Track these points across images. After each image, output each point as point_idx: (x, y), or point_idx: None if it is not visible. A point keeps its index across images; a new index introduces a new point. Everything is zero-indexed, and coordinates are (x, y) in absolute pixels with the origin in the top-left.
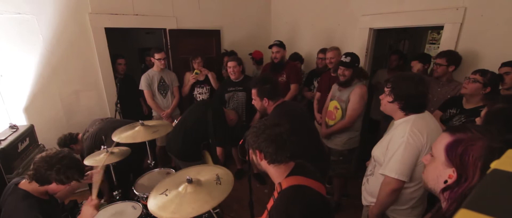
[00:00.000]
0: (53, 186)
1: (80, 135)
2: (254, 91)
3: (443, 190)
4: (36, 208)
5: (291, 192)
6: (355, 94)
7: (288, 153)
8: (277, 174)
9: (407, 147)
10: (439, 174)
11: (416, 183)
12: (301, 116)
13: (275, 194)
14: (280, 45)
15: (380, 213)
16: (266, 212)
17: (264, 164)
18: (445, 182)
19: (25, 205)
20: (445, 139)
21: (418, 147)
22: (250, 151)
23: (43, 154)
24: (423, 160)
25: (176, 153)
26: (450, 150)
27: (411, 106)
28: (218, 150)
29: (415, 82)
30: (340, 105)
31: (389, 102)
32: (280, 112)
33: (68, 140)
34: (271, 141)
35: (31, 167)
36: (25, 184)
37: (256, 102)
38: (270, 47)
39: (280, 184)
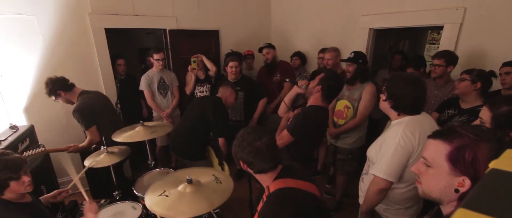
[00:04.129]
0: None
1: (76, 87)
2: (321, 75)
3: (461, 199)
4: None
5: (278, 195)
6: (367, 93)
7: (272, 163)
8: (265, 179)
9: (397, 148)
10: (446, 185)
11: (407, 184)
12: (323, 126)
13: (264, 197)
14: (269, 46)
15: (367, 211)
16: (256, 215)
17: (251, 172)
18: (456, 190)
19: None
20: (441, 147)
21: (408, 149)
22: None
23: None
24: (414, 170)
25: (182, 153)
26: (456, 159)
27: (401, 106)
28: (221, 141)
29: (407, 82)
30: (351, 104)
31: (383, 100)
32: (314, 113)
33: (61, 83)
34: (254, 155)
35: None
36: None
37: (313, 82)
38: (260, 50)
39: (268, 187)
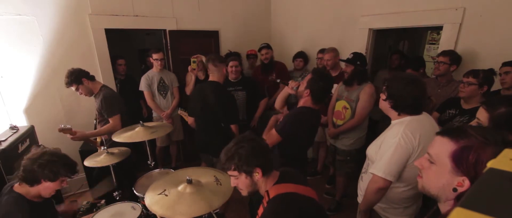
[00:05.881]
0: (43, 185)
1: (97, 80)
2: (309, 76)
3: (458, 198)
4: (27, 212)
5: (279, 201)
6: (365, 93)
7: (272, 162)
8: (264, 184)
9: (397, 148)
10: (446, 183)
11: (406, 184)
12: (314, 128)
13: (264, 202)
14: (268, 47)
15: (366, 210)
16: None
17: (259, 181)
18: (454, 189)
19: (18, 209)
20: (447, 145)
21: (408, 149)
22: (240, 178)
23: (29, 154)
24: (417, 164)
25: (211, 152)
26: (459, 159)
27: (401, 106)
28: (234, 127)
29: (406, 83)
30: (349, 104)
31: (383, 100)
32: (304, 115)
33: (84, 72)
34: (263, 153)
35: (20, 168)
36: (18, 186)
37: (302, 85)
38: (260, 50)
39: (267, 192)
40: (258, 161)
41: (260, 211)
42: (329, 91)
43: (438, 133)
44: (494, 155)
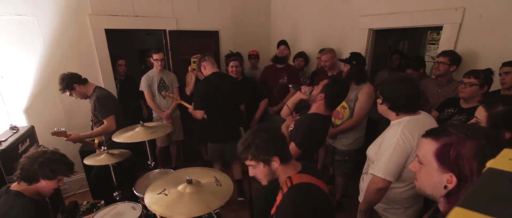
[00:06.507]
0: (42, 184)
1: (89, 82)
2: (325, 81)
3: (447, 195)
4: (31, 205)
5: (302, 188)
6: (363, 93)
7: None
8: (286, 171)
9: (396, 148)
10: (437, 181)
11: (406, 184)
12: (326, 133)
13: (284, 187)
14: (286, 43)
15: (367, 210)
16: (275, 206)
17: (277, 169)
18: (445, 187)
19: (21, 203)
20: (430, 145)
21: (407, 149)
22: (257, 167)
23: (28, 153)
24: (411, 168)
25: (235, 137)
26: (441, 157)
27: (399, 106)
28: (242, 106)
29: (398, 82)
30: (347, 104)
31: (380, 104)
32: (318, 123)
33: (75, 77)
34: (280, 142)
35: (18, 167)
36: (15, 185)
37: (316, 89)
38: (278, 46)
39: (289, 178)
40: (275, 149)
41: (279, 197)
42: (344, 98)
43: (422, 135)
44: (474, 149)
